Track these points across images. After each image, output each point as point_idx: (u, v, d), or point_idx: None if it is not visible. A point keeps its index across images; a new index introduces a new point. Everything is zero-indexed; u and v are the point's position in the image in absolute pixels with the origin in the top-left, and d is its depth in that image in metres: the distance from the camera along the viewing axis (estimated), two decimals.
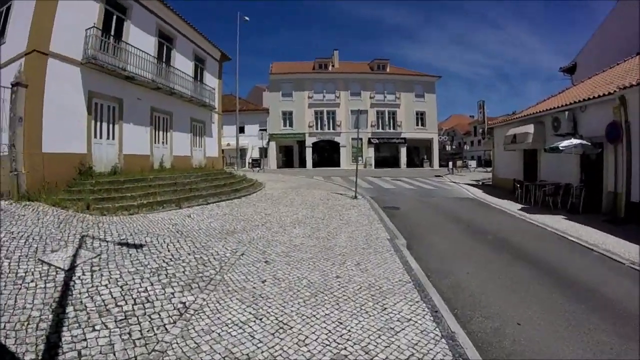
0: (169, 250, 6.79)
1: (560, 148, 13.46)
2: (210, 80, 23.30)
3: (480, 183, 25.54)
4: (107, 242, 7.01)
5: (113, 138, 14.23)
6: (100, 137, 13.54)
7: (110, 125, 14.10)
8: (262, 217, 10.67)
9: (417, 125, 48.34)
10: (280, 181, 21.60)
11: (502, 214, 13.95)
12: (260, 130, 36.49)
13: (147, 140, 16.60)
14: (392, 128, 47.56)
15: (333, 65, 49.53)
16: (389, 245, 8.03)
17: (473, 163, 42.76)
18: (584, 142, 13.53)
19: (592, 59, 22.58)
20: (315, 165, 46.31)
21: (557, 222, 11.90)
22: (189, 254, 6.67)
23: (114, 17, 14.31)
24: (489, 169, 42.83)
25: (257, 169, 32.60)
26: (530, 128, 17.41)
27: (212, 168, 20.74)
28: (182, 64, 19.60)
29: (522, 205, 15.45)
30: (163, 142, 18.00)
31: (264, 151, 45.53)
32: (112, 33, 14.20)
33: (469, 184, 24.19)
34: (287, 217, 10.82)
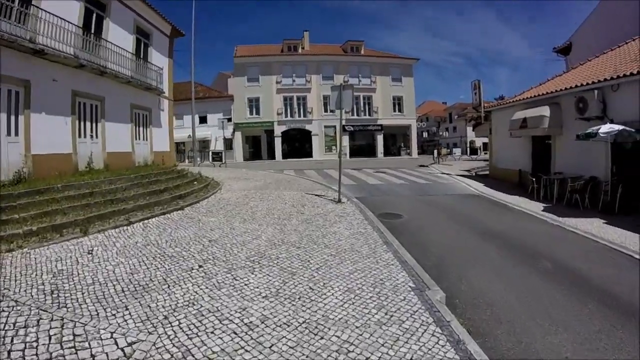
0: None
1: (601, 134, 10.57)
2: (159, 59, 19.32)
3: (474, 174, 22.71)
4: None
5: (16, 134, 10.50)
6: None
7: (13, 117, 10.38)
8: (204, 246, 6.98)
9: (395, 111, 45.23)
10: (243, 179, 17.85)
11: (528, 218, 10.98)
12: (222, 118, 32.48)
13: (68, 134, 12.91)
14: (367, 114, 44.23)
15: (303, 48, 45.62)
16: (421, 309, 4.51)
17: (457, 151, 40.06)
18: (628, 128, 10.63)
19: (591, 38, 20.64)
20: (285, 156, 42.56)
21: (602, 230, 9.19)
22: None
23: None
24: (474, 157, 40.48)
25: (219, 163, 28.44)
26: (545, 110, 14.50)
27: (161, 165, 16.93)
28: (119, 37, 15.65)
29: (544, 205, 12.71)
30: (92, 136, 14.19)
31: (228, 143, 41.62)
32: None
33: (462, 175, 21.29)
34: (242, 245, 7.15)
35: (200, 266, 5.88)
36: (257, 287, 5.13)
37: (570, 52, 24.00)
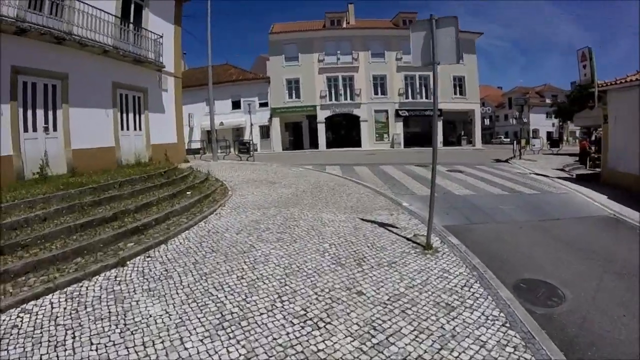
0: None
1: None
2: (159, 24, 14.78)
3: (573, 175, 16.73)
4: None
5: None
6: None
7: None
8: None
9: (455, 94, 38.74)
10: (267, 182, 12.83)
11: None
12: (248, 101, 27.86)
13: (6, 130, 8.90)
14: (424, 97, 38.11)
15: (348, 22, 40.01)
16: None
17: (537, 142, 33.39)
18: None
19: None
20: (330, 145, 37.50)
21: None
22: None
23: None
24: (554, 150, 33.56)
25: (247, 156, 23.28)
26: None
27: (165, 162, 12.39)
28: None
29: None
30: (46, 129, 9.94)
31: (265, 130, 37.15)
32: None
33: (561, 178, 15.58)
34: None
35: None
36: None
37: None
